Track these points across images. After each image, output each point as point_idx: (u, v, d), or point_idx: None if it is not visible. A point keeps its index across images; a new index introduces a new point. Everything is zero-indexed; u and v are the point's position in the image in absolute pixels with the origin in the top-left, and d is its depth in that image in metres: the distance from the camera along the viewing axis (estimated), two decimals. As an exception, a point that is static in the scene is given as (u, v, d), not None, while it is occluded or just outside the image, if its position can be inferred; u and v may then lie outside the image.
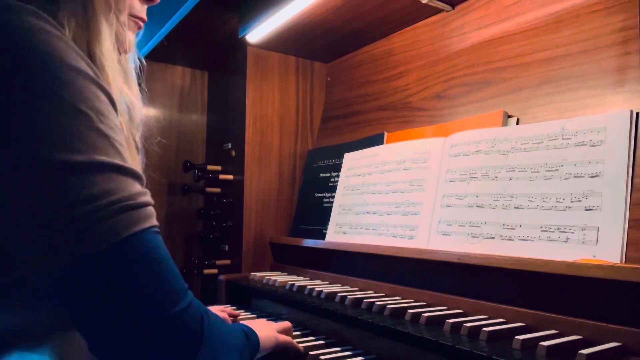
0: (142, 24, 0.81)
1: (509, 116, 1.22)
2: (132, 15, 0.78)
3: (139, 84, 0.82)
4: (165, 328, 0.56)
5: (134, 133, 0.77)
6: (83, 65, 0.58)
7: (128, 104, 0.76)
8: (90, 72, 0.58)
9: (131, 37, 0.79)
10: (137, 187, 0.59)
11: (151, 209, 0.60)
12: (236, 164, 1.89)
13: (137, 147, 0.78)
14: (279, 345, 0.98)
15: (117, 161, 0.57)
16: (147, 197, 0.61)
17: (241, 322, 0.97)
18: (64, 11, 0.63)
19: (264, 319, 1.29)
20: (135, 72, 0.83)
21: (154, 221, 0.60)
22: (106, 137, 0.57)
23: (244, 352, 0.80)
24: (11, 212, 0.53)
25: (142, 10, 0.80)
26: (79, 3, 0.65)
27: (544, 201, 1.03)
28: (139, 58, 0.86)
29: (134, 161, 0.71)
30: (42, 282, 0.54)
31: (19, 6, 0.55)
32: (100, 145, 0.56)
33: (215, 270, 1.87)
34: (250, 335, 0.85)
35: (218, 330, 0.65)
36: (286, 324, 1.10)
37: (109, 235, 0.54)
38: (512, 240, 1.06)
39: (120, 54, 0.74)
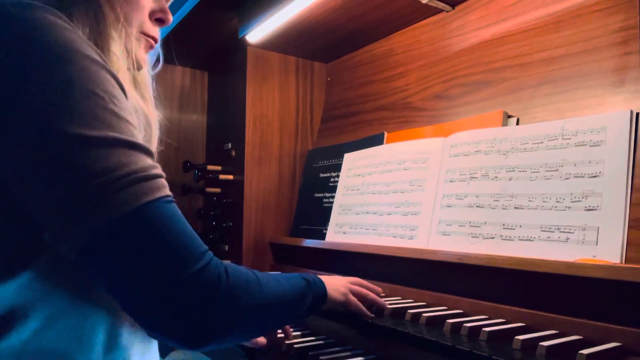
0: (154, 43, 0.84)
1: (509, 116, 1.22)
2: (143, 33, 0.81)
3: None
4: (181, 288, 0.62)
5: (154, 143, 0.83)
6: (94, 54, 0.63)
7: (145, 115, 0.80)
8: (101, 61, 0.63)
9: (143, 54, 0.82)
10: (148, 161, 0.64)
11: (163, 181, 0.65)
12: (236, 164, 1.89)
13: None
14: (347, 304, 1.03)
15: (129, 138, 0.62)
16: (159, 170, 0.65)
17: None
18: (77, 19, 0.68)
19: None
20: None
21: (166, 192, 0.64)
22: (118, 116, 0.62)
23: (302, 295, 0.86)
24: (32, 188, 0.58)
25: (153, 30, 0.83)
26: (91, 13, 0.70)
27: (544, 201, 1.03)
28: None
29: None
30: (69, 254, 0.59)
31: (37, 4, 0.60)
32: (113, 123, 0.61)
33: (215, 271, 1.87)
34: (312, 282, 0.91)
35: (241, 285, 0.70)
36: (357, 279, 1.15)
37: (123, 205, 0.58)
38: (512, 240, 1.06)
39: (133, 67, 0.78)
